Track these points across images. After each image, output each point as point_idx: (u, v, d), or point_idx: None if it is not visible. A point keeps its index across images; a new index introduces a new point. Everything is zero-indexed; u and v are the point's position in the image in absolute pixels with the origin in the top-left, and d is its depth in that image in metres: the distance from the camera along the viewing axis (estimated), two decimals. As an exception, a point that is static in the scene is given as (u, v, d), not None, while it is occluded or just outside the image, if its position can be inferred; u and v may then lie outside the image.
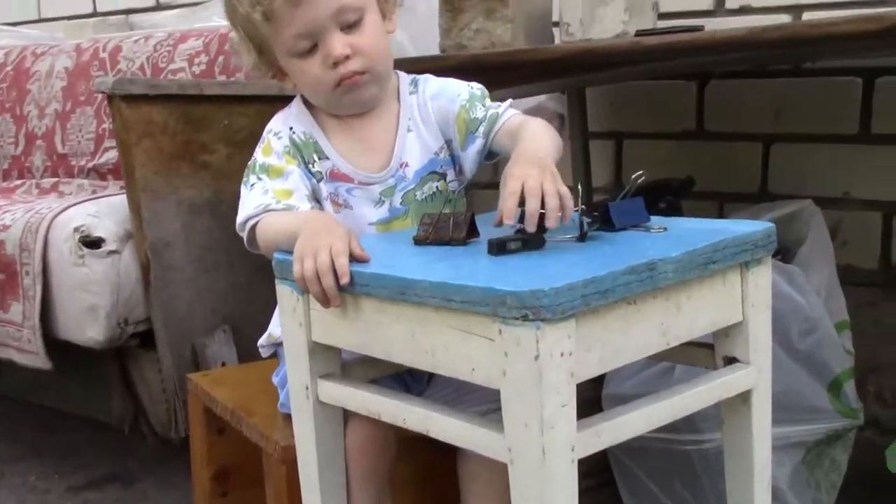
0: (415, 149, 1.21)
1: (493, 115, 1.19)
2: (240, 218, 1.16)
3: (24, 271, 1.68)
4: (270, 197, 1.14)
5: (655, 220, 1.08)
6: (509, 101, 1.22)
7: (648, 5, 1.73)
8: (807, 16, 1.82)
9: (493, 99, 1.23)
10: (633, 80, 1.92)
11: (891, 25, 1.02)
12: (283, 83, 1.22)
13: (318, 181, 1.18)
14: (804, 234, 1.46)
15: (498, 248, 0.95)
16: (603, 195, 2.10)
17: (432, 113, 1.22)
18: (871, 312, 1.82)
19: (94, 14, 3.04)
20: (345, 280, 0.95)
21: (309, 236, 1.00)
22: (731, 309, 1.01)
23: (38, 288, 1.65)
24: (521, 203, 0.96)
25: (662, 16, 1.94)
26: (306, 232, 1.01)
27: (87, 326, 1.64)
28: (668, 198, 1.57)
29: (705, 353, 1.07)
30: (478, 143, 1.19)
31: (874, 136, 1.80)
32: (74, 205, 1.72)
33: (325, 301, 0.97)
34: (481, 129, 1.19)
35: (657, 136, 2.06)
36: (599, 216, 1.05)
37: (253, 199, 1.15)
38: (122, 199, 1.67)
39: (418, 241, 1.02)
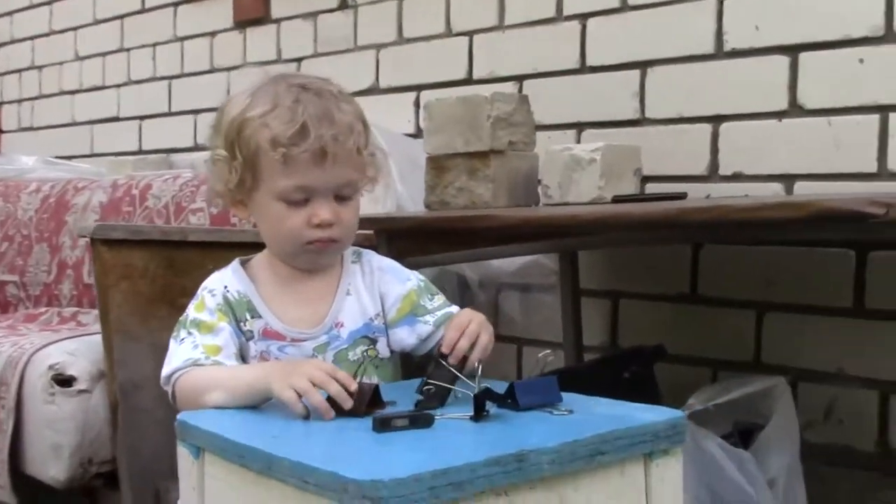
0: (352, 311, 1.25)
1: (448, 313, 1.26)
2: (166, 371, 1.18)
3: (1, 405, 1.71)
4: (200, 352, 1.16)
5: (570, 400, 1.05)
6: (458, 308, 1.28)
7: (629, 171, 1.74)
8: (799, 186, 1.80)
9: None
10: (613, 246, 1.91)
11: (814, 213, 1.00)
12: (236, 211, 1.27)
13: (248, 339, 1.21)
14: (772, 415, 1.40)
15: (381, 424, 0.94)
16: (595, 354, 2.05)
17: (377, 283, 1.28)
18: (869, 500, 1.70)
19: (140, 151, 3.20)
20: (354, 387, 1.01)
21: (286, 369, 1.06)
22: (632, 503, 0.95)
23: (11, 423, 1.68)
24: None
25: (657, 178, 1.95)
26: (279, 368, 1.07)
27: (50, 464, 1.65)
28: (632, 368, 1.53)
29: (616, 546, 1.02)
30: (421, 329, 1.26)
31: (868, 310, 1.73)
32: (56, 342, 1.77)
33: (329, 411, 1.01)
34: (429, 317, 1.26)
35: (653, 298, 2.02)
36: (506, 393, 1.02)
37: (182, 353, 1.17)
38: (100, 339, 1.71)
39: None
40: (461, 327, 1.13)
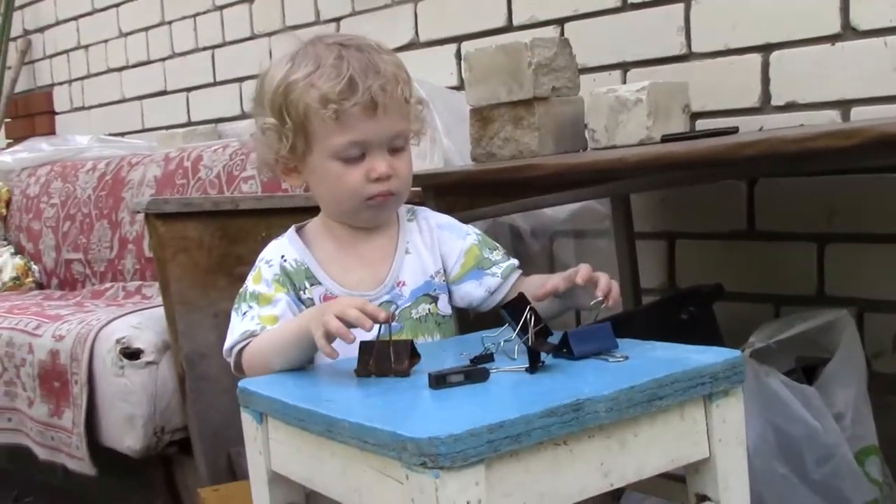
0: (412, 270, 1.24)
1: (512, 265, 1.27)
2: (227, 344, 1.20)
3: (74, 380, 1.77)
4: (256, 324, 1.17)
5: (625, 346, 1.04)
6: (517, 262, 1.28)
7: (677, 108, 1.70)
8: (856, 111, 1.74)
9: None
10: (664, 187, 1.87)
11: (867, 140, 0.96)
12: (288, 179, 1.26)
13: (308, 307, 1.20)
14: (836, 349, 1.37)
15: (437, 381, 0.94)
16: (654, 296, 2.03)
17: (436, 241, 1.27)
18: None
19: (189, 123, 3.23)
20: (382, 315, 1.01)
21: (318, 311, 1.05)
22: (693, 445, 0.95)
23: (84, 397, 1.74)
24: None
25: (708, 114, 1.91)
26: (314, 313, 1.06)
27: (125, 435, 1.70)
28: (690, 309, 1.51)
29: (680, 488, 1.02)
30: (489, 281, 1.25)
31: (934, 236, 1.69)
32: (121, 316, 1.81)
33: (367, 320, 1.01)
34: (496, 269, 1.25)
35: (710, 237, 1.99)
36: (560, 343, 1.02)
37: (241, 326, 1.19)
38: (163, 311, 1.74)
39: (360, 374, 1.01)
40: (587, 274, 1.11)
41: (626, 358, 0.99)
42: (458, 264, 1.25)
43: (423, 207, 1.32)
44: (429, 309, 1.23)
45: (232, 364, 1.20)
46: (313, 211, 1.31)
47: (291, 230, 1.27)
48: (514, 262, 1.27)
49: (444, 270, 1.26)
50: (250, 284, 1.22)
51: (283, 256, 1.22)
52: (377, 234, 1.25)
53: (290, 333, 1.11)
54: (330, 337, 1.00)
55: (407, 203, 1.31)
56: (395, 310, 1.20)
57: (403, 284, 1.23)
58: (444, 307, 1.25)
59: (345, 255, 1.24)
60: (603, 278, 1.11)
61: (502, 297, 1.25)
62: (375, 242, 1.25)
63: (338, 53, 1.16)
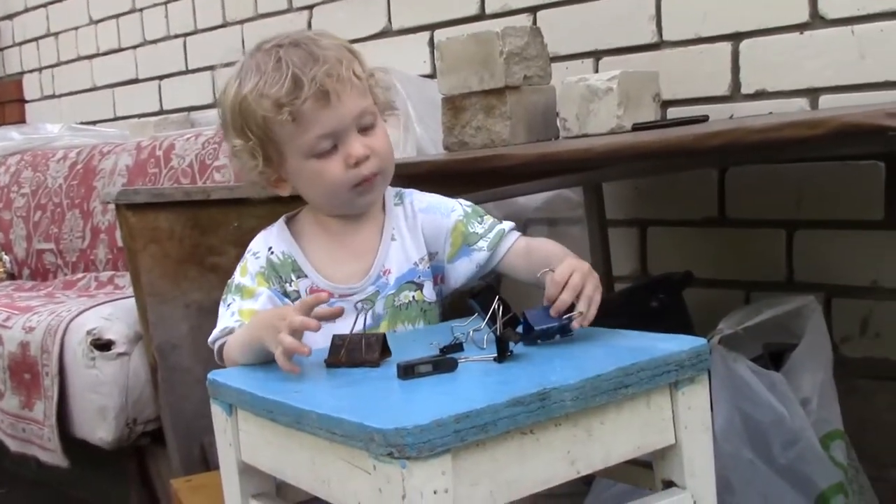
0: (397, 257, 1.23)
1: (500, 231, 1.23)
2: (211, 337, 1.20)
3: (45, 372, 1.76)
4: (234, 320, 1.17)
5: (592, 333, 1.05)
6: (511, 223, 1.25)
7: (648, 97, 1.71)
8: (824, 99, 1.76)
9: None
10: (634, 176, 1.88)
11: (831, 130, 0.97)
12: (278, 191, 1.25)
13: (294, 300, 1.19)
14: (804, 334, 1.39)
15: (406, 371, 0.95)
16: (626, 284, 2.05)
17: (420, 225, 1.25)
18: (908, 410, 1.69)
19: (161, 111, 3.20)
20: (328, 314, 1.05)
21: (271, 324, 1.04)
22: (660, 432, 0.96)
23: (55, 388, 1.73)
24: None
25: (678, 102, 1.92)
26: (266, 325, 1.06)
27: (96, 426, 1.70)
28: (660, 296, 1.52)
29: (647, 474, 1.03)
30: (477, 256, 1.23)
31: (900, 222, 1.71)
32: (92, 307, 1.80)
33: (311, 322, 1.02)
34: (482, 243, 1.23)
35: (681, 224, 2.01)
36: (524, 327, 1.02)
37: (224, 319, 1.19)
38: (134, 302, 1.74)
39: (330, 365, 1.01)
40: (562, 282, 1.04)
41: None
42: (447, 244, 1.24)
43: (410, 190, 1.30)
44: (413, 296, 1.22)
45: (215, 356, 1.20)
46: (287, 199, 1.29)
47: (281, 221, 1.26)
48: (504, 227, 1.24)
49: (434, 253, 1.24)
50: (237, 276, 1.22)
51: (270, 248, 1.22)
52: (365, 223, 1.24)
53: (247, 341, 1.11)
54: (289, 354, 1.00)
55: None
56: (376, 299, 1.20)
57: (389, 272, 1.22)
58: (429, 294, 1.23)
59: (334, 247, 1.23)
60: (565, 295, 1.04)
61: (492, 267, 1.23)
62: (364, 232, 1.24)
63: (276, 56, 1.15)
